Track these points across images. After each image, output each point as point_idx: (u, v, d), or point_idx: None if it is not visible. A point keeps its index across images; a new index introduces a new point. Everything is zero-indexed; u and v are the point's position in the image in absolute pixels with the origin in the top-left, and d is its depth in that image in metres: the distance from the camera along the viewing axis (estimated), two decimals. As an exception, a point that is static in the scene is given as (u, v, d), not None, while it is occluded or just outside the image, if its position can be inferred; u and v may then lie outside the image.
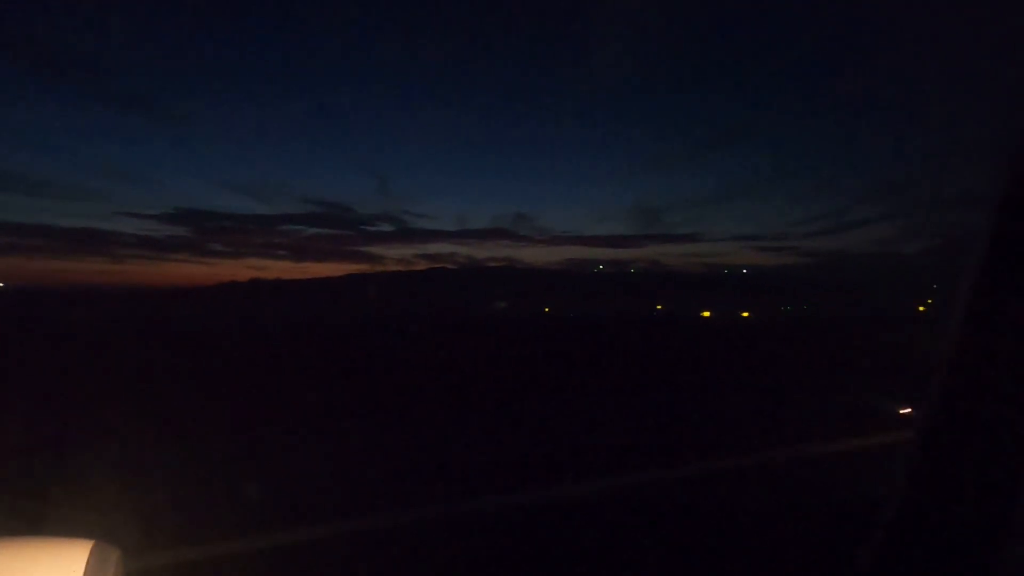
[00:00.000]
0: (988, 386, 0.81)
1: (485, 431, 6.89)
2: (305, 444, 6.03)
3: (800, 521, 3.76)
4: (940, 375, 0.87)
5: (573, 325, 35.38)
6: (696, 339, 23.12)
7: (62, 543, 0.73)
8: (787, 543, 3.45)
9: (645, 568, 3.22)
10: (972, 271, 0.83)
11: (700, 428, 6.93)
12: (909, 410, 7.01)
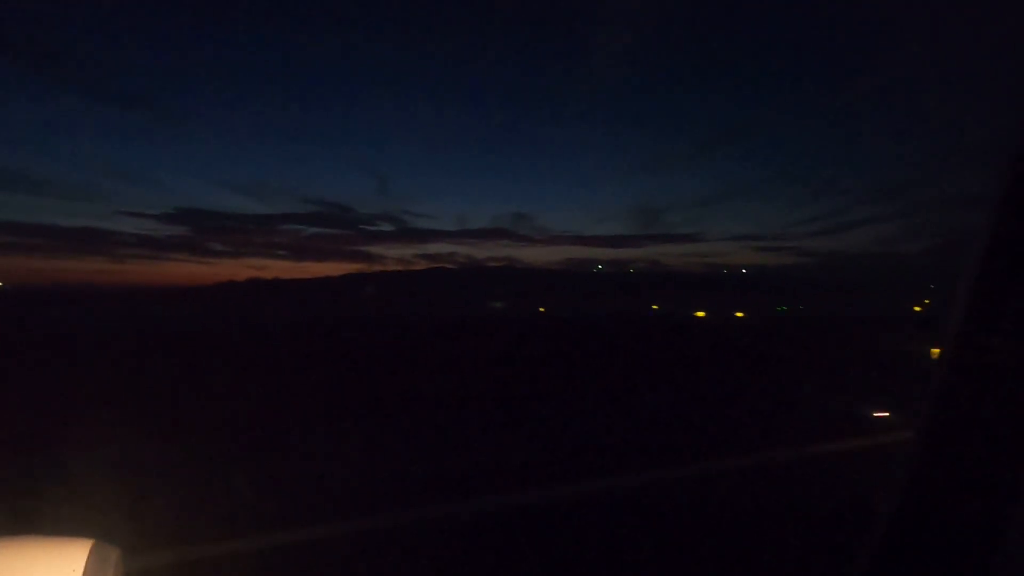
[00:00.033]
0: (988, 386, 0.81)
1: (484, 431, 6.88)
2: (304, 444, 6.02)
3: (755, 527, 3.71)
4: (940, 375, 0.87)
5: (568, 325, 35.27)
6: (685, 340, 22.89)
7: (62, 542, 0.72)
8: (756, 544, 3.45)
9: (643, 568, 3.22)
10: (972, 271, 0.83)
11: (654, 431, 6.76)
12: (884, 414, 6.95)
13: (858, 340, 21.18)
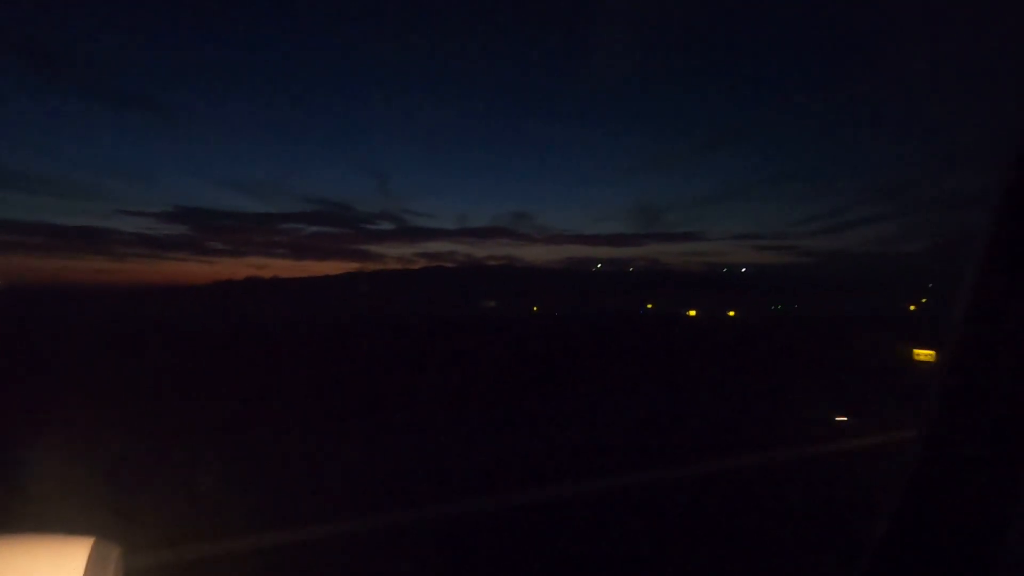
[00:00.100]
0: (988, 386, 0.81)
1: (481, 431, 6.89)
2: (304, 443, 6.03)
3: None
4: (941, 375, 0.87)
5: (559, 324, 35.21)
6: (665, 340, 22.57)
7: (63, 540, 0.72)
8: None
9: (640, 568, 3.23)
10: (972, 271, 0.83)
11: (596, 435, 6.49)
12: (845, 418, 6.78)
13: (842, 340, 21.03)
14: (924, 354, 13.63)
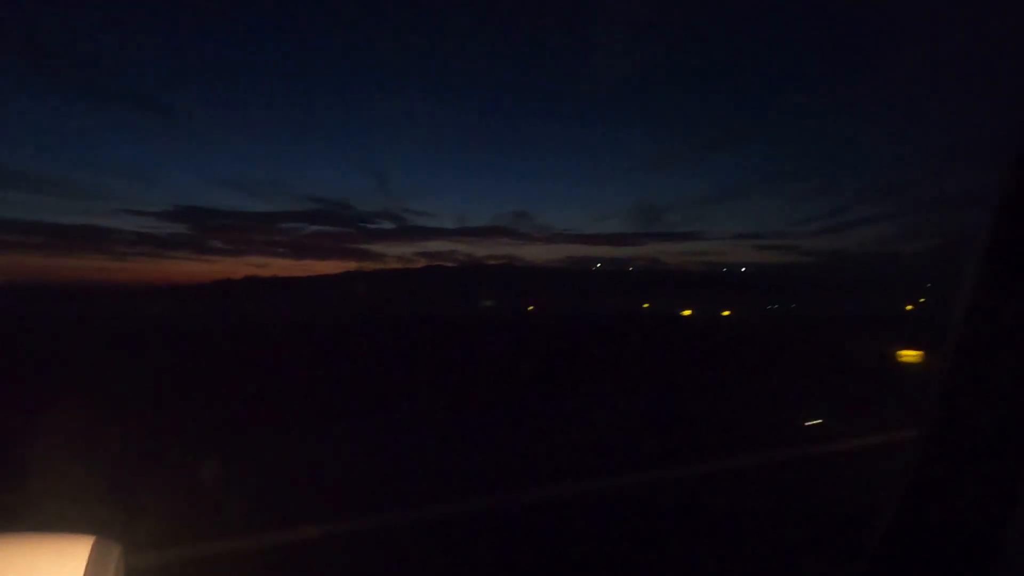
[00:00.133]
0: (988, 386, 0.81)
1: (478, 431, 6.89)
2: (304, 443, 6.03)
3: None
4: (941, 375, 0.87)
5: (557, 323, 35.04)
6: (658, 340, 22.11)
7: (63, 539, 0.72)
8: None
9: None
10: (972, 271, 0.83)
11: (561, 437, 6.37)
12: (817, 422, 6.58)
13: (830, 341, 20.79)
14: (909, 355, 13.47)
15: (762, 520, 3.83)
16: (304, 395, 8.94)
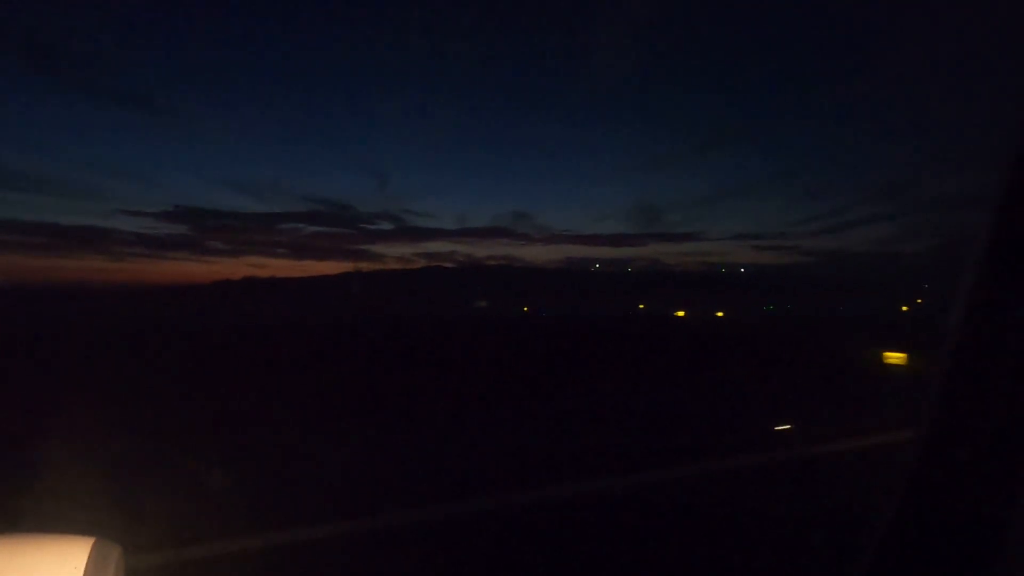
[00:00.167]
0: (988, 386, 0.81)
1: (474, 431, 6.89)
2: (304, 443, 6.02)
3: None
4: (940, 375, 0.87)
5: (549, 324, 34.93)
6: (646, 342, 21.96)
7: (63, 540, 0.72)
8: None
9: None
10: (972, 271, 0.82)
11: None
12: (787, 427, 6.42)
13: (820, 342, 20.60)
14: (894, 357, 13.37)
15: (710, 526, 3.75)
16: (303, 395, 8.95)
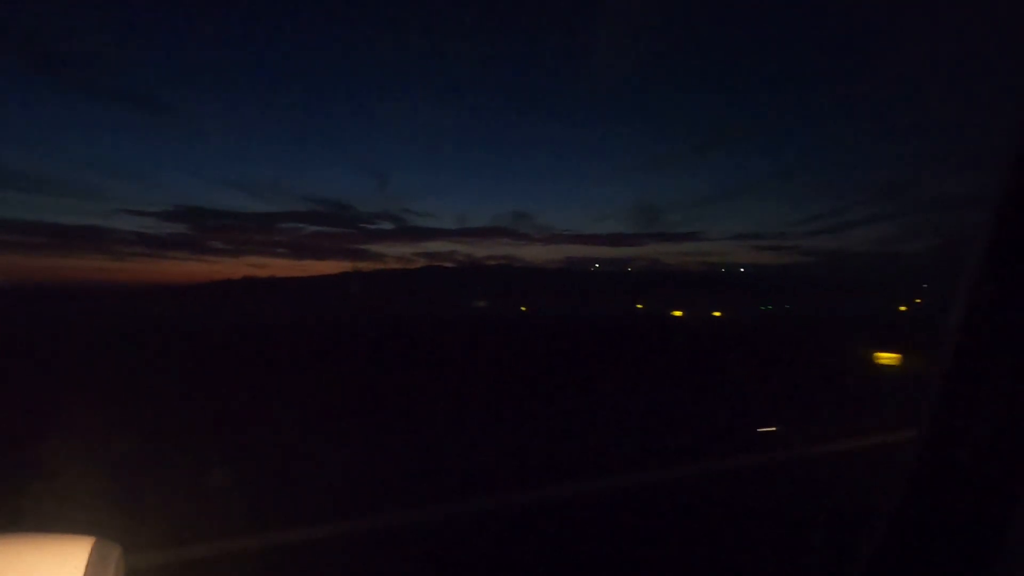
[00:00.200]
0: (988, 386, 0.81)
1: (474, 431, 6.88)
2: (304, 443, 6.02)
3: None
4: (941, 375, 0.87)
5: (544, 324, 34.83)
6: (636, 343, 21.60)
7: (63, 540, 0.72)
8: None
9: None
10: (972, 272, 0.82)
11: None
12: (771, 429, 6.36)
13: (814, 342, 20.43)
14: (887, 357, 13.23)
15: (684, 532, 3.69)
16: (303, 394, 8.95)
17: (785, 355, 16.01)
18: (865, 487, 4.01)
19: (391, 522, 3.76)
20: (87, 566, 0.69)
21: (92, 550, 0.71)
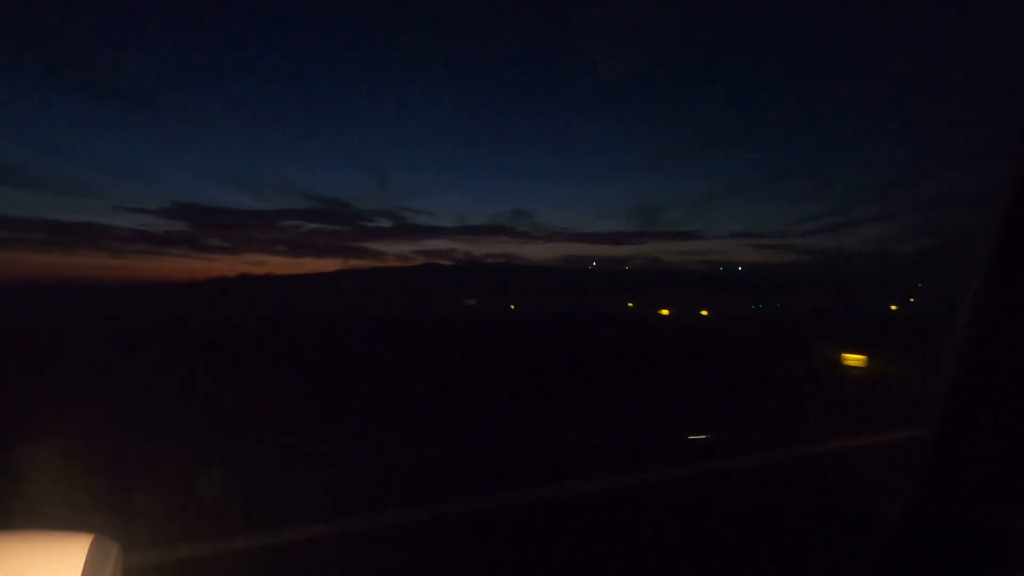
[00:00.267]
0: (994, 387, 0.81)
1: (474, 431, 6.89)
2: (304, 443, 6.02)
3: None
4: (946, 376, 0.86)
5: (543, 323, 34.74)
6: (604, 344, 21.44)
7: (62, 537, 0.72)
8: None
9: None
10: (975, 272, 0.82)
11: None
12: (702, 436, 5.96)
13: (787, 342, 20.15)
14: (853, 359, 12.93)
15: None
16: (303, 393, 8.95)
17: (750, 357, 15.60)
18: (777, 501, 3.94)
19: (391, 522, 3.75)
20: (85, 564, 0.69)
21: (90, 548, 0.71)
